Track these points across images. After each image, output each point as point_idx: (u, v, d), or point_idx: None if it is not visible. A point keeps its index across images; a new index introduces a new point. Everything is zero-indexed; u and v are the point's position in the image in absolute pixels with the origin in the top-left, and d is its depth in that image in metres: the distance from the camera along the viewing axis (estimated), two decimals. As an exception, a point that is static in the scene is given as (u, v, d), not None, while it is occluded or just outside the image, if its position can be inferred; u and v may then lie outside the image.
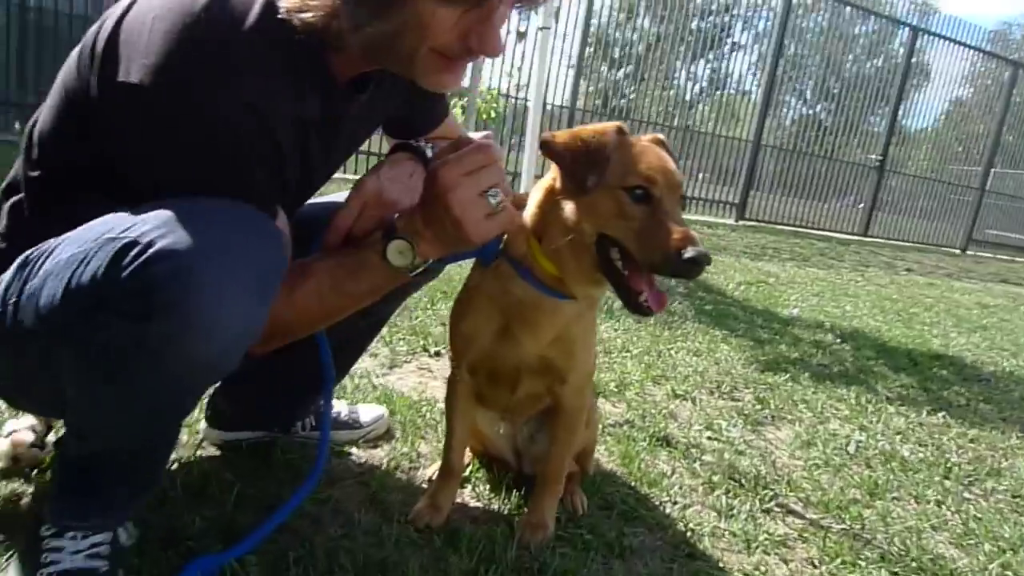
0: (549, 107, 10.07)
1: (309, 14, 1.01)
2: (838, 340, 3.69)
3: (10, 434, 1.42)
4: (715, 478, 1.86)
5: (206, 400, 1.66)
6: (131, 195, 0.99)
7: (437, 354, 2.54)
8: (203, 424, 1.67)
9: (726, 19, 12.04)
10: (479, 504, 1.58)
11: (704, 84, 12.73)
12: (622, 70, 12.04)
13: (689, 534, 1.58)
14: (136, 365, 0.93)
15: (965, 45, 12.53)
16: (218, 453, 1.63)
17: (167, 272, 0.88)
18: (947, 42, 12.40)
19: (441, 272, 1.49)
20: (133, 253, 0.88)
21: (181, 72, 0.95)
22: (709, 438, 2.15)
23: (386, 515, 1.47)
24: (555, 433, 1.49)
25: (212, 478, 1.48)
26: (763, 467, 1.99)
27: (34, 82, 7.19)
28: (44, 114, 1.13)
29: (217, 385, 1.62)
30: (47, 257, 1.02)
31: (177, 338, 0.90)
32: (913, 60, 12.18)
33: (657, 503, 1.70)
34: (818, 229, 11.82)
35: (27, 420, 1.46)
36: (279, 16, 1.01)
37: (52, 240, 1.05)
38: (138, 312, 0.89)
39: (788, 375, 2.88)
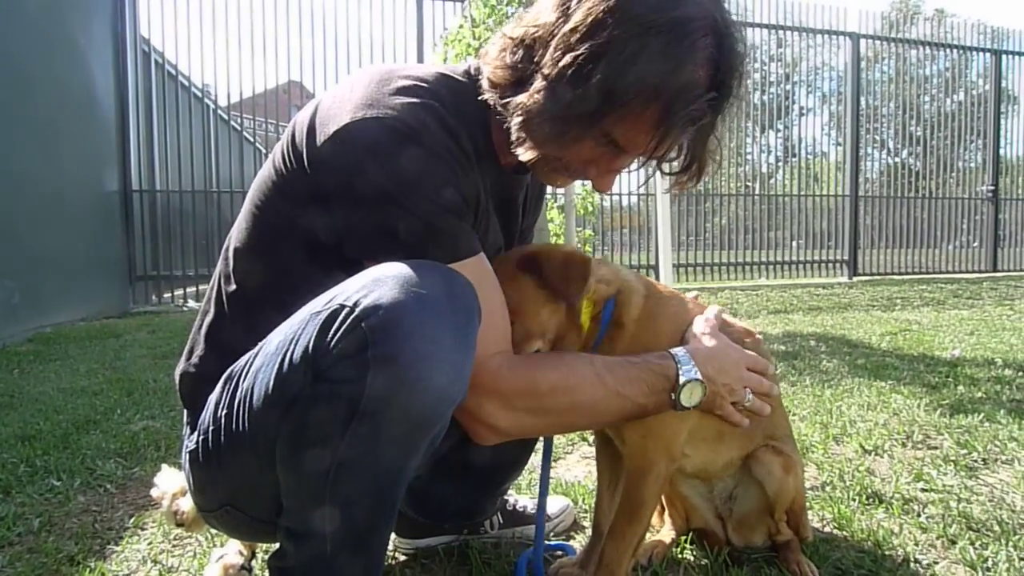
0: (624, 199, 10.30)
1: (499, 73, 1.07)
2: (1020, 374, 3.33)
3: (219, 559, 1.42)
4: (950, 530, 1.64)
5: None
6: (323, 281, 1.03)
7: (597, 442, 2.44)
8: (391, 535, 1.62)
9: (787, 88, 12.07)
10: (699, 585, 1.44)
11: (778, 153, 12.68)
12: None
13: (949, 593, 1.37)
14: (356, 433, 0.92)
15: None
16: (415, 561, 1.57)
17: (376, 326, 0.89)
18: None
19: None
20: (341, 317, 0.91)
21: (385, 106, 1.02)
22: (923, 490, 1.92)
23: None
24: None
25: (418, 585, 1.41)
26: (1001, 513, 1.74)
27: (165, 258, 7.92)
28: (237, 233, 1.20)
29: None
30: (254, 358, 1.05)
31: (394, 393, 0.90)
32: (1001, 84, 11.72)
33: (897, 562, 1.50)
34: (940, 273, 11.12)
35: (233, 546, 1.47)
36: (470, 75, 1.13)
37: (256, 348, 1.08)
38: (354, 373, 0.89)
39: (981, 415, 2.59)
